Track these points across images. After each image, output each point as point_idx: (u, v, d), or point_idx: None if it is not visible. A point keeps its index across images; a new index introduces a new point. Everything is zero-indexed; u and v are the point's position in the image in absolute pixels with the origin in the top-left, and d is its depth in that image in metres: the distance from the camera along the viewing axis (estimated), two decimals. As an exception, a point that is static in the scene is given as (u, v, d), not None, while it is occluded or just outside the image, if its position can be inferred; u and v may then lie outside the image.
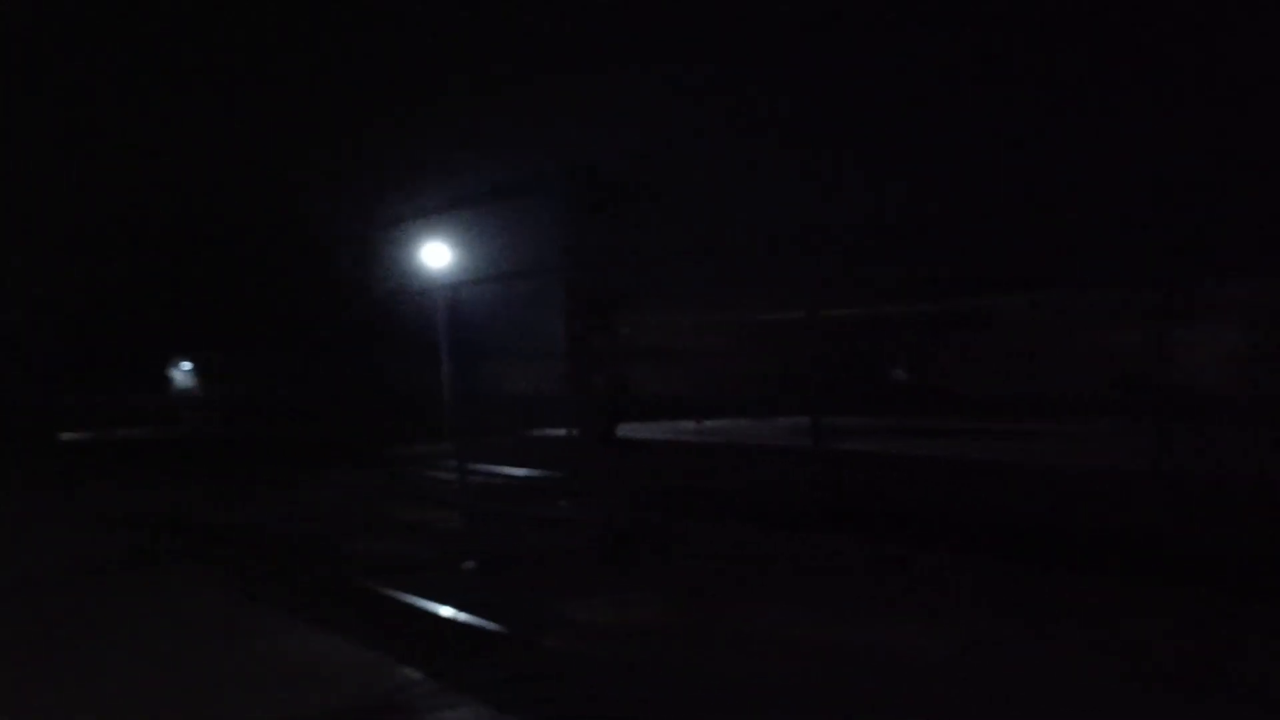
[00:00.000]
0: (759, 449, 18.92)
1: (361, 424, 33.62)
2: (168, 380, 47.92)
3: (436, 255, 20.62)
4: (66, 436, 36.95)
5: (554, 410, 22.57)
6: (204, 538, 13.52)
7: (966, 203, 15.24)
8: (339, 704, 5.41)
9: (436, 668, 6.68)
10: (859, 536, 11.32)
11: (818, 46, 13.46)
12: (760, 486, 15.36)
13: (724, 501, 14.18)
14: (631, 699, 6.41)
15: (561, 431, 21.94)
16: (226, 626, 7.75)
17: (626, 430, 23.30)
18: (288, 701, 5.54)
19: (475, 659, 7.38)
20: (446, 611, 8.61)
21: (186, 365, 47.08)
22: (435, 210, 20.22)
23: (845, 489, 13.99)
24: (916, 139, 14.52)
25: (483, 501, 15.56)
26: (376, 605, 9.21)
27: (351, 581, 10.21)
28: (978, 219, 14.86)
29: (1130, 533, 10.48)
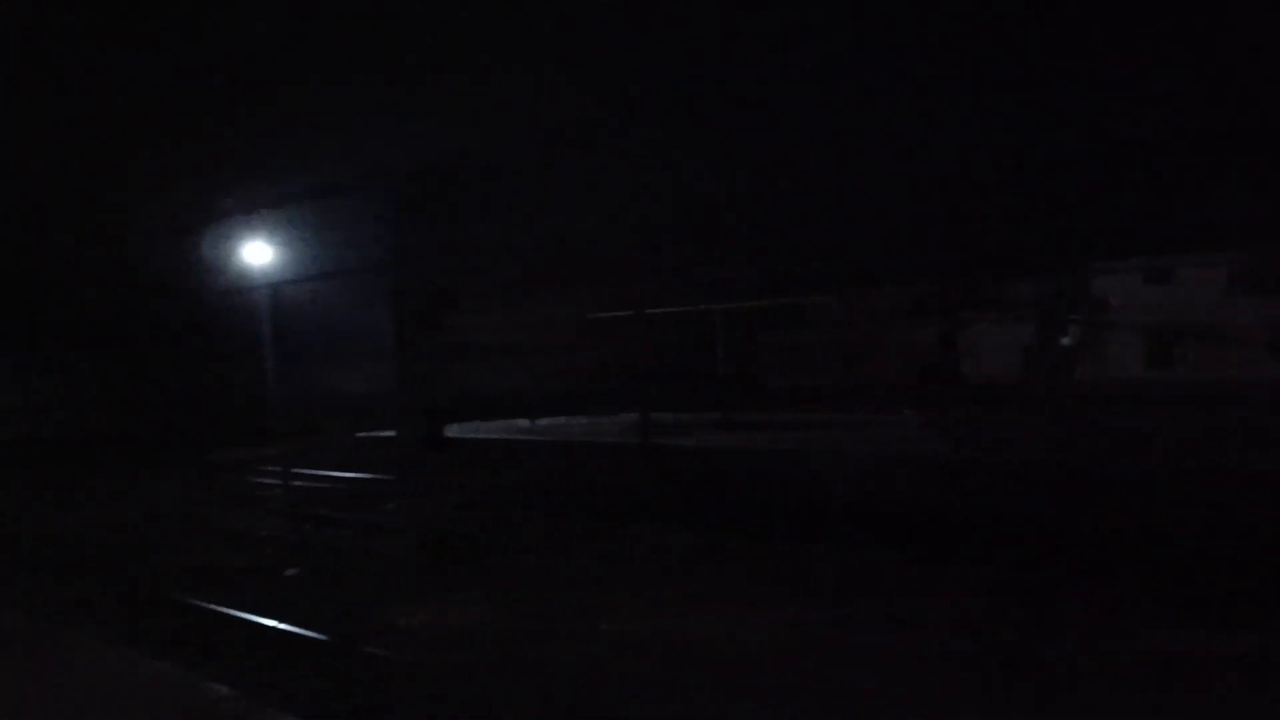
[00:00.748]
0: (589, 446, 19.20)
1: (182, 427, 32.06)
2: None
3: (258, 253, 19.91)
4: None
5: (384, 411, 22.20)
6: (3, 552, 12.68)
7: (785, 207, 15.92)
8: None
9: (248, 681, 6.57)
10: (683, 527, 11.73)
11: (642, 49, 13.77)
12: (589, 482, 15.61)
13: (554, 498, 14.35)
14: (449, 704, 6.48)
15: (391, 433, 21.62)
16: (25, 648, 7.34)
17: (458, 430, 23.19)
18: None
19: (292, 670, 7.27)
20: (262, 621, 8.43)
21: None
22: (257, 207, 19.49)
23: (671, 482, 14.44)
24: (737, 144, 15.06)
25: (308, 506, 15.19)
26: (188, 618, 8.91)
27: (162, 594, 9.84)
28: (794, 222, 15.56)
29: (930, 514, 11.28)
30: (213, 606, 9.07)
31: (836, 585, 8.88)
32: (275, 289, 18.55)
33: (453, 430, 22.34)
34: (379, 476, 17.64)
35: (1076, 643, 6.96)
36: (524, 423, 25.85)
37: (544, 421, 26.17)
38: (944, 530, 10.68)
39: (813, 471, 13.83)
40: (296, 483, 17.50)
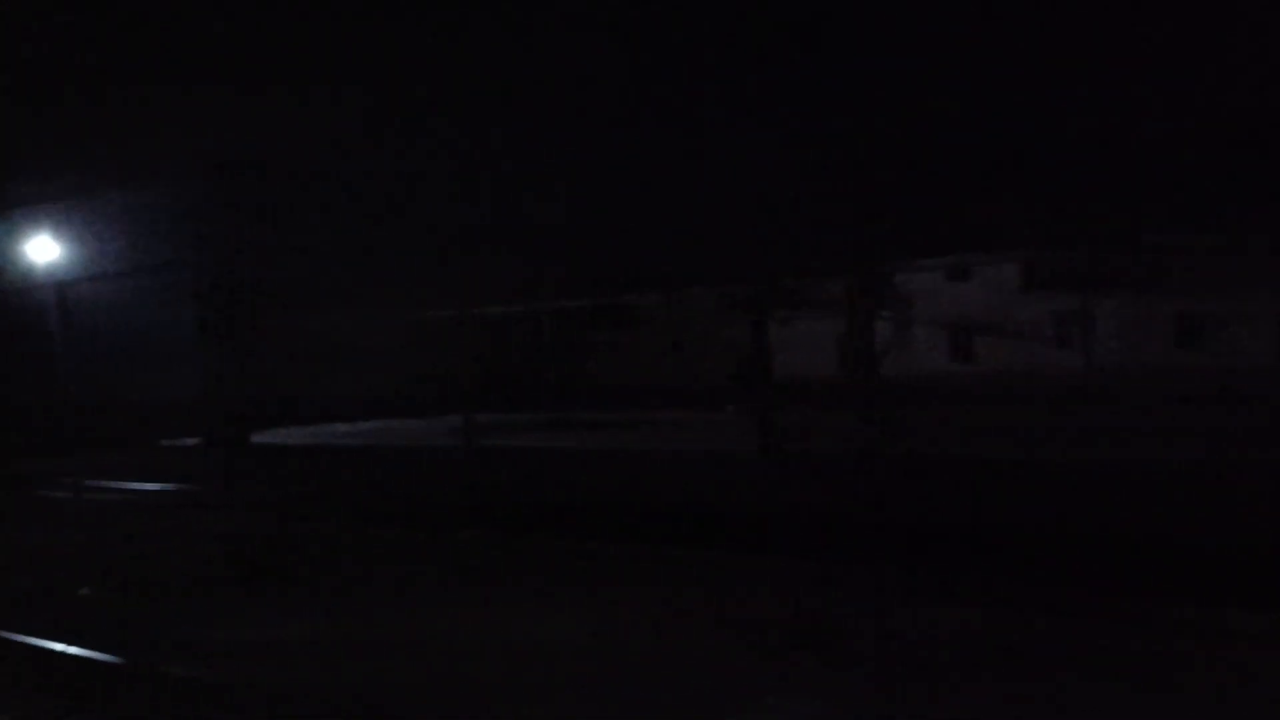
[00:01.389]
0: (408, 449, 18.82)
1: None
2: None
3: (43, 249, 18.48)
4: None
5: (189, 417, 21.09)
6: None
7: (607, 208, 16.11)
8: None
9: (29, 710, 6.10)
10: (511, 530, 11.62)
11: (465, 49, 13.61)
12: (410, 487, 15.29)
13: (373, 505, 13.98)
14: None
15: (196, 440, 20.57)
16: None
17: (272, 436, 22.27)
18: None
19: (83, 698, 6.81)
20: (47, 645, 7.83)
21: None
22: (41, 199, 18.09)
23: (497, 484, 14.31)
24: (560, 147, 15.13)
25: (105, 521, 14.21)
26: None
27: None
28: (617, 223, 15.73)
29: (743, 509, 11.62)
30: (-11, 633, 8.36)
31: (662, 581, 9.01)
32: (64, 288, 17.23)
33: (267, 436, 21.44)
34: (183, 487, 16.73)
35: (883, 629, 7.29)
36: (344, 426, 25.07)
37: (368, 425, 25.45)
38: (757, 523, 11.00)
39: (634, 470, 14.01)
40: (92, 495, 16.36)
